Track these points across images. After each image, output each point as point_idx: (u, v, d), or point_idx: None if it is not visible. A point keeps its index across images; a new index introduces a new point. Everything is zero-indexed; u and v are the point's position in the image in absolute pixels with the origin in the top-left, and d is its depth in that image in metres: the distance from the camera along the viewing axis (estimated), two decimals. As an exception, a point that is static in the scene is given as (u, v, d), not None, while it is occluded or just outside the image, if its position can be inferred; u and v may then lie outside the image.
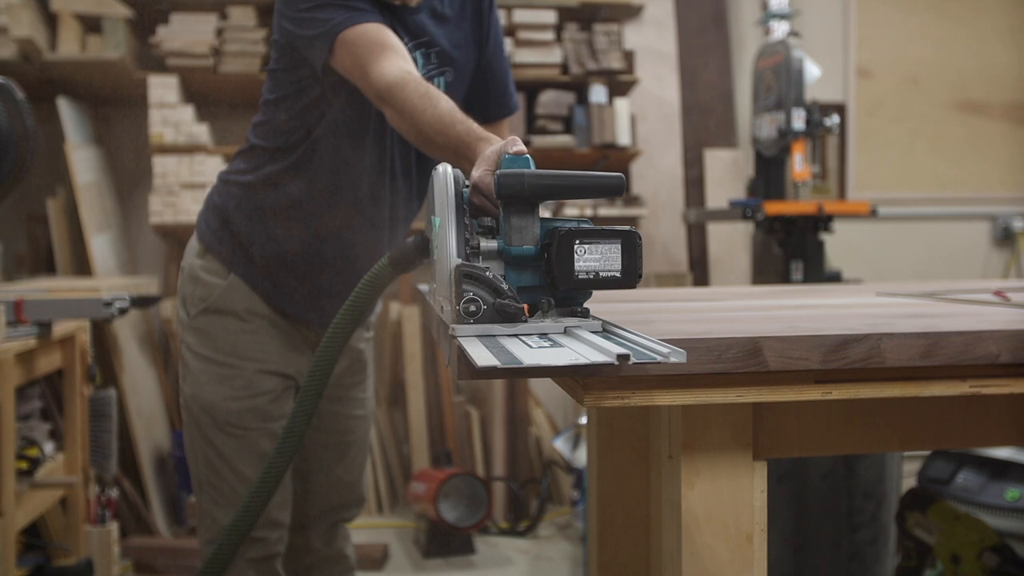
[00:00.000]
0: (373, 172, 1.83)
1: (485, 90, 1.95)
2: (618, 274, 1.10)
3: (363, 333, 2.04)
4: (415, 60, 1.75)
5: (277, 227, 1.85)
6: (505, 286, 1.08)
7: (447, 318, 1.14)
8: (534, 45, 4.28)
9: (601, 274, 1.09)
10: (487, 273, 1.08)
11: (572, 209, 4.08)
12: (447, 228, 1.14)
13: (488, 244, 1.15)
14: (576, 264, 1.09)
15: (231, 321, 1.85)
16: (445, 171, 1.20)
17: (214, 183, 1.97)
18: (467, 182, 1.26)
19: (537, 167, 1.16)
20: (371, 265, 1.56)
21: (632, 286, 1.11)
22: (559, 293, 1.14)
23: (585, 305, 1.16)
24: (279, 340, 1.87)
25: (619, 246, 1.09)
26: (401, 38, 1.72)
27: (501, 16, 4.18)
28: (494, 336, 1.06)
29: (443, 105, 1.50)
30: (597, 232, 1.10)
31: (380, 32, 1.66)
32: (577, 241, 1.09)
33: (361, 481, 2.09)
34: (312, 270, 1.87)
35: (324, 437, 2.01)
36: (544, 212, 1.17)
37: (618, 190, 1.16)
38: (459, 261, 1.11)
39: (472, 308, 1.06)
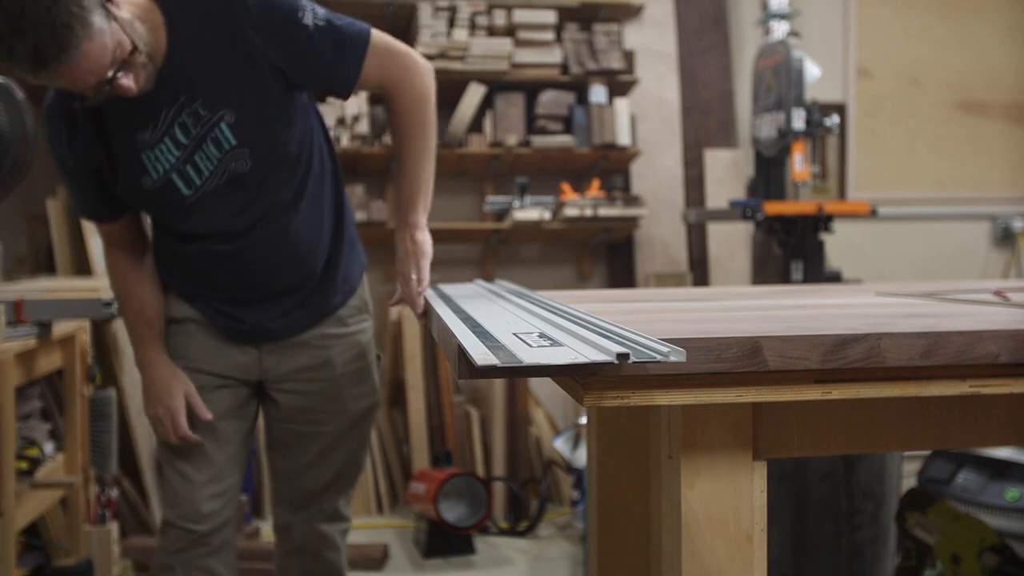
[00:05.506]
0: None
1: (316, 78, 1.81)
2: None
3: (323, 330, 1.98)
4: (175, 135, 1.74)
5: (163, 240, 1.94)
6: None
7: None
8: (534, 45, 4.28)
9: None
10: None
11: (572, 209, 4.07)
12: None
13: None
14: None
15: (170, 327, 1.98)
16: None
17: None
18: None
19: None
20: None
21: None
22: None
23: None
24: (213, 341, 1.94)
25: None
26: (151, 129, 1.74)
27: (501, 16, 4.24)
28: None
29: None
30: None
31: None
32: None
33: (335, 486, 2.05)
34: (199, 282, 1.94)
35: (283, 424, 2.02)
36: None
37: None
38: None
39: None
